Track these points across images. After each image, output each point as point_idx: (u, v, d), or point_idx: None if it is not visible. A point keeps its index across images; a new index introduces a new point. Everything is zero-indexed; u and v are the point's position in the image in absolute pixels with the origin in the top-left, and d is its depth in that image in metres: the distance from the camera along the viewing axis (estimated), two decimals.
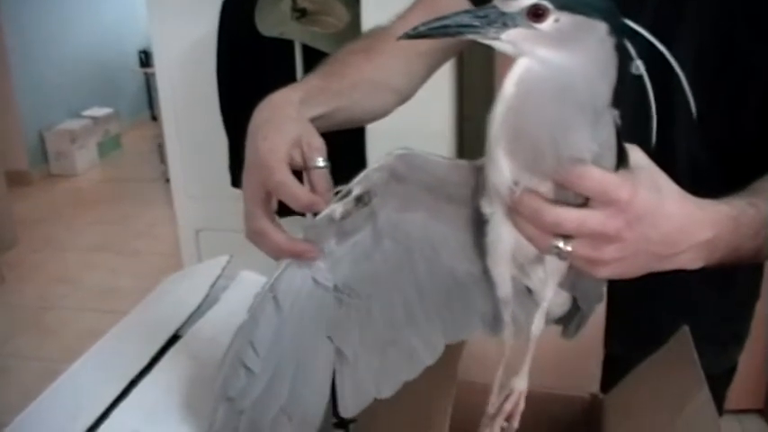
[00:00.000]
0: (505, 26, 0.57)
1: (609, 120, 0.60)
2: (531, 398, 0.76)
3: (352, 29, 2.18)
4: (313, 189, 0.73)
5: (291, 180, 0.71)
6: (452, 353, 0.76)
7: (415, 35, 0.59)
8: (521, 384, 0.74)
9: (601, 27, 0.57)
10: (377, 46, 0.94)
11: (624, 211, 0.60)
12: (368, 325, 0.74)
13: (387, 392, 0.73)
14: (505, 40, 0.58)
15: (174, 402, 0.72)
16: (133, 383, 0.74)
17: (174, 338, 0.80)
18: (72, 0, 5.59)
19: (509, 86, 0.58)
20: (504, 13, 0.57)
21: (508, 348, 0.74)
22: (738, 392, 2.23)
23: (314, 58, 1.83)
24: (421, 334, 0.74)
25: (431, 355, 0.74)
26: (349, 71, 0.91)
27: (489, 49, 0.62)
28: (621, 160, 0.62)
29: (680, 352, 0.72)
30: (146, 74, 6.03)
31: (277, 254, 0.72)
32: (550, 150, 0.59)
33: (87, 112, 5.65)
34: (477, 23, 0.58)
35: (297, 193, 0.70)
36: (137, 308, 0.87)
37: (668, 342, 0.75)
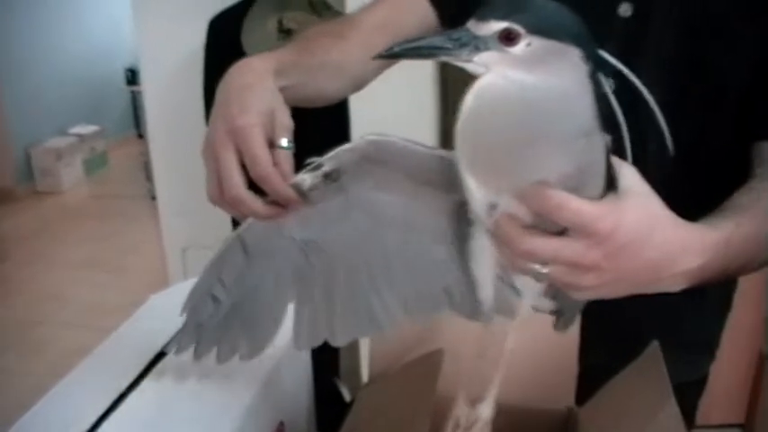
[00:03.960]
0: (478, 49, 0.58)
1: (594, 145, 0.60)
2: (507, 412, 0.78)
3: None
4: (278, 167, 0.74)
5: (266, 154, 0.73)
6: (432, 369, 0.78)
7: (389, 55, 0.60)
8: (486, 413, 0.75)
9: (573, 52, 0.57)
10: (344, 31, 0.95)
11: (603, 243, 0.60)
12: (330, 280, 0.78)
13: (340, 341, 0.78)
14: (478, 63, 0.58)
15: (162, 416, 0.74)
16: (121, 398, 0.75)
17: (161, 354, 0.81)
18: (58, 18, 5.61)
19: (469, 99, 0.59)
20: (476, 37, 0.58)
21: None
22: (720, 407, 2.26)
23: None
24: (382, 301, 0.77)
25: (389, 322, 0.77)
26: (318, 51, 0.92)
27: None
28: (611, 184, 0.62)
29: (650, 366, 0.75)
30: (132, 92, 6.04)
31: (254, 218, 0.75)
32: (507, 170, 0.60)
33: (73, 130, 5.65)
34: (449, 46, 0.58)
35: (270, 174, 0.72)
36: (124, 324, 0.89)
37: (639, 357, 0.78)
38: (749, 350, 2.18)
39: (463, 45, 0.58)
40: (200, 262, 2.83)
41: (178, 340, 0.79)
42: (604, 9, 0.89)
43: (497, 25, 0.57)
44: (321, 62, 0.90)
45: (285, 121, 0.77)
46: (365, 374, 2.15)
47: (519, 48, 0.57)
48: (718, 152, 0.91)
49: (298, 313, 0.79)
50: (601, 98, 0.60)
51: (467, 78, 0.61)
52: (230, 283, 0.79)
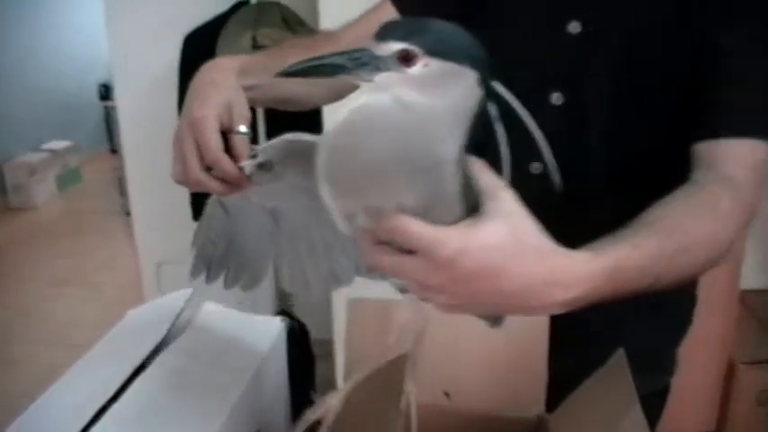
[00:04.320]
0: (378, 69, 0.59)
1: (448, 173, 0.61)
2: (479, 420, 0.80)
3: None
4: (233, 151, 0.81)
5: (216, 141, 0.80)
6: (399, 372, 0.79)
7: (291, 73, 0.61)
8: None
9: (469, 74, 0.59)
10: (319, 44, 0.98)
11: (445, 267, 0.60)
12: (296, 241, 0.89)
13: (317, 296, 0.89)
14: (377, 82, 0.59)
15: (142, 428, 0.75)
16: (101, 412, 0.76)
17: (140, 368, 0.82)
18: (31, 33, 5.57)
19: (343, 113, 0.60)
20: (376, 57, 0.59)
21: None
22: (691, 414, 2.30)
23: None
24: (339, 263, 0.87)
25: (347, 280, 0.88)
26: (290, 58, 0.94)
27: None
28: (474, 208, 0.62)
29: (615, 373, 0.77)
30: (105, 107, 6.01)
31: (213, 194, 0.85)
32: (360, 191, 0.61)
33: (46, 145, 5.60)
34: (350, 65, 0.59)
35: (211, 144, 0.79)
36: (102, 339, 0.90)
37: (605, 365, 0.80)
38: (719, 358, 2.22)
39: (363, 65, 0.59)
40: (175, 277, 2.84)
41: (192, 269, 0.94)
42: (554, 26, 0.94)
43: (396, 46, 0.58)
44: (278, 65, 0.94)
45: (242, 110, 0.84)
46: (341, 387, 2.15)
47: (416, 68, 0.58)
48: (660, 159, 0.93)
49: (276, 265, 0.91)
50: (485, 122, 0.62)
51: None
52: (219, 231, 0.91)
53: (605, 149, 0.96)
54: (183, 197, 2.58)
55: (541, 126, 0.94)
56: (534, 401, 0.88)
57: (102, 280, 4.08)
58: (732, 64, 0.86)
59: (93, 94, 6.06)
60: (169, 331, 0.87)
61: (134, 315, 0.97)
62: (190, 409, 0.76)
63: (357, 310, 0.93)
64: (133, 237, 3.06)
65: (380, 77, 0.59)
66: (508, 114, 0.66)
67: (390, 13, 1.04)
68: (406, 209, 0.60)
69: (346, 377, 0.92)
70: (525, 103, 1.03)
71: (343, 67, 0.59)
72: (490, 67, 0.60)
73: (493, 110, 0.63)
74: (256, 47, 2.32)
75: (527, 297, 0.63)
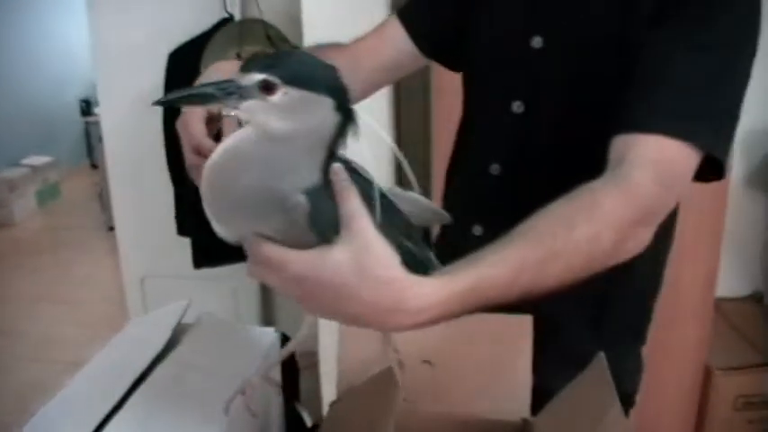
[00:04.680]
0: (242, 98, 0.64)
1: (298, 208, 0.66)
2: (464, 423, 0.83)
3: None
4: (222, 134, 0.83)
5: (199, 129, 0.85)
6: (391, 381, 0.82)
7: (165, 102, 0.67)
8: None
9: (326, 102, 0.64)
10: (330, 52, 1.05)
11: (296, 285, 0.66)
12: None
13: None
14: (243, 110, 0.64)
15: None
16: (103, 423, 0.78)
17: (140, 379, 0.85)
18: (10, 49, 5.57)
19: (219, 149, 0.67)
20: (241, 87, 0.64)
21: None
22: (669, 420, 2.34)
23: None
24: None
25: None
26: None
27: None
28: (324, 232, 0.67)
29: (596, 375, 0.81)
30: (85, 122, 6.00)
31: None
32: (229, 219, 0.68)
33: (26, 161, 5.58)
34: (218, 94, 0.64)
35: (194, 132, 0.84)
36: (101, 351, 0.92)
37: (586, 368, 0.84)
38: (696, 365, 2.26)
39: (230, 94, 0.64)
40: (159, 291, 2.88)
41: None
42: (520, 40, 1.02)
43: (257, 77, 0.63)
44: None
45: None
46: (326, 398, 2.18)
47: (277, 97, 0.63)
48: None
49: None
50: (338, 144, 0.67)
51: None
52: None
53: (559, 153, 1.01)
54: (167, 211, 2.60)
55: (502, 131, 1.02)
56: (519, 405, 0.91)
57: (83, 296, 4.07)
58: (650, 64, 0.89)
59: (73, 109, 6.06)
60: (168, 342, 0.90)
61: (133, 326, 1.00)
62: (191, 417, 0.79)
63: None
64: (115, 252, 3.06)
65: (245, 105, 0.64)
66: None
67: (397, 28, 1.15)
68: (270, 234, 0.66)
69: (339, 384, 0.95)
70: (490, 110, 1.10)
71: (212, 96, 0.64)
72: (347, 95, 0.66)
73: (355, 133, 0.68)
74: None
75: (376, 320, 0.67)
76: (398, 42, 1.16)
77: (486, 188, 1.09)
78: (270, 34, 2.38)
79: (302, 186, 0.65)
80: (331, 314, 0.68)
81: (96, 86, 5.57)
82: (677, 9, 0.89)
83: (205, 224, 0.78)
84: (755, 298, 2.59)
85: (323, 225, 0.66)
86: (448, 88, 2.08)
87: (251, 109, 0.64)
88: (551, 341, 0.95)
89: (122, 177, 2.84)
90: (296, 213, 0.66)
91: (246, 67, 0.64)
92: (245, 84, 0.63)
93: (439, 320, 0.69)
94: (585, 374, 0.83)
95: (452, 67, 1.21)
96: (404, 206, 0.78)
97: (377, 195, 0.69)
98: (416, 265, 0.69)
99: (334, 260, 0.65)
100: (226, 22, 2.49)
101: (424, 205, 0.81)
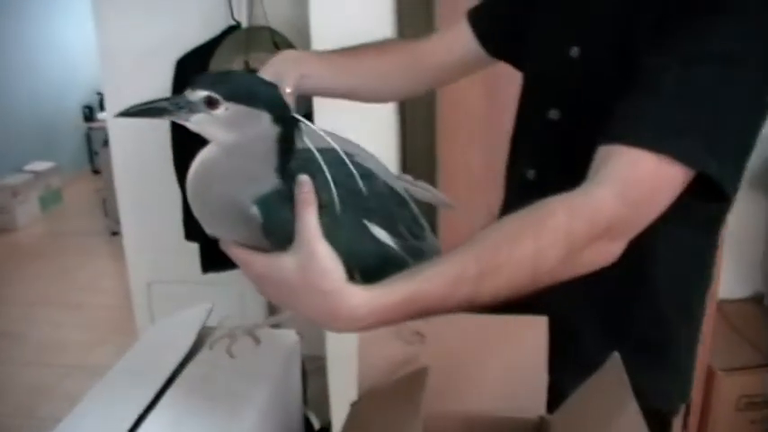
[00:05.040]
0: (192, 111, 0.72)
1: (253, 220, 0.74)
2: (481, 421, 0.86)
3: None
4: None
5: None
6: (417, 386, 0.85)
7: (126, 114, 0.73)
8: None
9: (264, 116, 0.72)
10: (390, 46, 1.18)
11: (258, 282, 0.77)
12: None
13: None
14: (193, 122, 0.72)
15: None
16: (137, 424, 0.80)
17: (169, 379, 0.87)
18: (13, 57, 5.59)
19: (194, 163, 0.75)
20: (190, 102, 0.72)
21: None
22: (674, 422, 2.36)
23: None
24: None
25: None
26: (363, 58, 1.17)
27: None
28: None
29: (612, 374, 0.83)
30: (87, 128, 6.02)
31: None
32: (206, 226, 0.77)
33: (29, 167, 5.61)
34: (171, 108, 0.72)
35: None
36: (127, 354, 0.94)
37: (602, 367, 0.86)
38: (698, 366, 2.28)
39: (181, 108, 0.72)
40: (166, 296, 2.89)
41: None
42: (559, 50, 1.03)
43: (202, 93, 0.72)
44: (358, 63, 1.15)
45: (286, 77, 1.01)
46: (333, 401, 2.20)
47: (220, 111, 0.72)
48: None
49: None
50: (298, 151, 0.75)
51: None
52: None
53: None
54: (174, 216, 2.62)
55: (538, 138, 1.05)
56: (536, 403, 0.93)
57: (87, 300, 4.09)
58: (642, 74, 0.87)
59: (75, 115, 6.08)
60: (193, 344, 0.92)
61: (157, 329, 1.02)
62: (222, 415, 0.82)
63: None
64: (118, 257, 3.07)
65: (194, 118, 0.72)
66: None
67: (462, 31, 1.20)
68: (240, 238, 0.76)
69: (360, 383, 0.97)
70: (529, 116, 1.13)
71: (166, 109, 0.72)
72: (284, 109, 0.74)
73: (304, 142, 0.76)
74: (249, 71, 2.38)
75: (319, 322, 0.75)
76: (466, 42, 1.20)
77: (522, 192, 1.11)
78: (277, 41, 2.41)
79: (263, 191, 0.74)
80: (292, 309, 0.77)
81: (99, 93, 5.69)
82: (678, 17, 0.87)
83: None
84: (756, 299, 2.62)
85: (276, 234, 0.75)
86: (454, 97, 2.11)
87: (199, 121, 0.72)
88: (567, 345, 0.97)
89: (129, 182, 2.86)
90: (253, 223, 0.74)
91: (194, 84, 0.72)
92: (192, 99, 0.72)
93: (378, 326, 0.75)
94: (601, 373, 0.85)
95: (519, 67, 1.21)
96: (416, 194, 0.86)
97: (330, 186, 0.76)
98: (394, 260, 0.80)
99: (283, 266, 0.73)
100: (233, 29, 2.51)
101: (433, 193, 0.91)
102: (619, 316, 1.06)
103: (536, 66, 1.12)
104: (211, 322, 1.04)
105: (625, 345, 0.85)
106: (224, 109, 0.71)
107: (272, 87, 0.76)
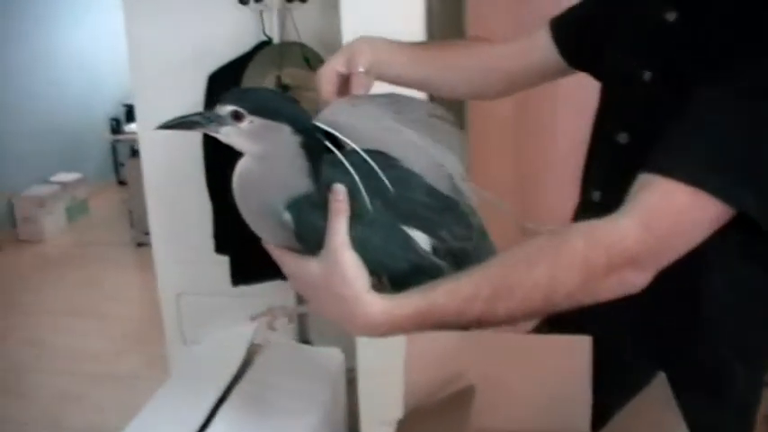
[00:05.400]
0: (221, 124, 0.80)
1: (286, 223, 0.82)
2: None
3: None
4: (353, 88, 1.02)
5: (326, 83, 1.04)
6: (464, 405, 0.86)
7: (164, 126, 0.80)
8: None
9: (285, 128, 0.79)
10: (470, 44, 1.21)
11: (294, 281, 0.85)
12: None
13: None
14: (222, 134, 0.80)
15: None
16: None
17: (220, 399, 0.89)
18: (41, 70, 5.67)
19: (233, 175, 0.83)
20: (219, 116, 0.80)
21: None
22: None
23: None
24: None
25: None
26: (437, 48, 1.21)
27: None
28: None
29: (658, 394, 0.83)
30: (114, 140, 6.10)
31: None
32: (253, 228, 0.84)
33: (55, 178, 5.68)
34: (202, 122, 0.80)
35: (322, 87, 1.04)
36: (178, 371, 0.96)
37: (647, 387, 0.86)
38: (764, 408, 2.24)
39: (211, 121, 0.80)
40: (195, 308, 2.91)
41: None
42: (630, 74, 1.01)
43: (229, 108, 0.80)
44: (443, 55, 1.18)
45: (360, 57, 1.05)
46: (363, 413, 2.20)
47: (245, 124, 0.79)
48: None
49: None
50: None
51: None
52: None
53: None
54: (204, 228, 2.65)
55: (605, 160, 1.02)
56: (580, 421, 0.94)
57: (113, 311, 4.13)
58: (692, 104, 0.85)
59: (101, 127, 6.15)
60: (242, 363, 0.94)
61: (206, 347, 1.04)
62: None
63: (416, 339, 0.98)
64: (144, 268, 3.09)
65: (223, 130, 0.80)
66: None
67: (542, 38, 1.20)
68: (279, 241, 0.84)
69: (406, 400, 0.98)
70: (599, 137, 1.13)
71: (199, 122, 0.80)
72: (304, 121, 0.81)
73: (335, 154, 0.83)
74: (280, 86, 2.40)
75: (340, 324, 0.82)
76: (545, 49, 1.19)
77: (587, 212, 1.06)
78: (308, 57, 2.43)
79: (295, 194, 0.81)
80: (317, 309, 0.85)
81: (125, 105, 5.76)
82: (742, 52, 0.85)
83: (244, 242, 0.88)
84: None
85: (307, 240, 0.82)
86: (484, 105, 2.12)
87: (227, 133, 0.80)
88: (614, 367, 0.97)
89: (159, 193, 2.89)
90: (287, 228, 0.81)
91: (223, 100, 0.80)
92: (221, 113, 0.80)
93: (392, 334, 0.81)
94: (646, 393, 0.86)
95: (599, 79, 1.19)
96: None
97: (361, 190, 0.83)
98: (425, 267, 0.85)
99: (311, 270, 0.81)
100: (264, 44, 2.53)
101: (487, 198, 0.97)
102: (671, 347, 1.03)
103: (609, 86, 1.11)
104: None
105: (678, 377, 0.84)
106: (249, 122, 0.79)
107: (292, 102, 0.83)
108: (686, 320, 1.00)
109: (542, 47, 1.19)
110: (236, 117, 0.79)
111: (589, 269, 0.80)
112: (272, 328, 0.95)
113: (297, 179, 0.81)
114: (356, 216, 0.80)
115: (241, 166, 0.83)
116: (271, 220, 0.82)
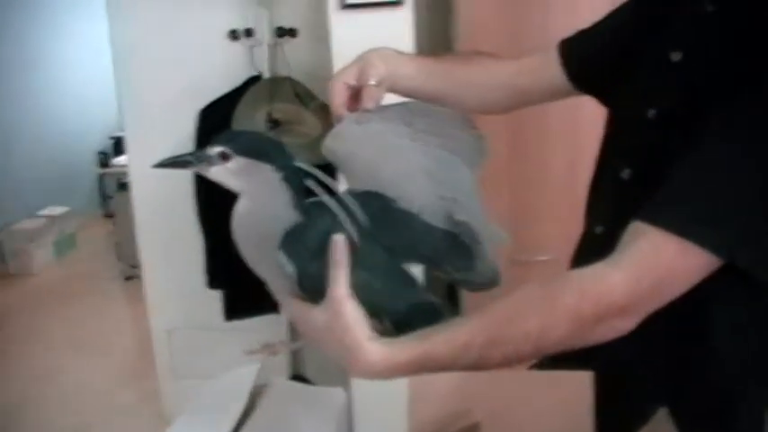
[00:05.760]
0: (210, 164, 0.84)
1: (289, 272, 0.85)
2: None
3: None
4: (363, 101, 1.02)
5: (337, 95, 1.04)
6: None
7: (158, 166, 0.85)
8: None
9: (266, 167, 0.84)
10: (481, 60, 1.22)
11: (297, 324, 0.89)
12: None
13: None
14: (211, 173, 0.85)
15: None
16: None
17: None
18: (30, 105, 5.68)
19: (232, 220, 0.87)
20: (209, 155, 0.84)
21: None
22: None
23: None
24: None
25: None
26: (450, 62, 1.21)
27: None
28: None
29: (661, 430, 0.85)
30: (101, 173, 6.08)
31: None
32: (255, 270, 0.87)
33: (44, 212, 5.65)
34: (193, 160, 0.84)
35: (333, 101, 1.04)
36: (180, 417, 0.96)
37: (650, 422, 0.88)
38: None
39: (201, 161, 0.84)
40: (186, 343, 2.88)
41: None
42: (635, 112, 1.03)
43: (217, 148, 0.84)
44: (450, 69, 1.19)
45: (372, 70, 1.05)
46: None
47: (231, 163, 0.84)
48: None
49: None
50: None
51: None
52: None
53: None
54: (195, 261, 2.64)
55: (608, 195, 1.05)
56: None
57: (102, 346, 4.08)
58: (689, 157, 0.85)
59: (89, 160, 6.14)
60: (244, 408, 0.94)
61: (207, 391, 1.04)
62: None
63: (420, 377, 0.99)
64: (134, 301, 3.07)
65: (212, 169, 0.85)
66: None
67: (551, 59, 1.19)
68: (282, 283, 0.87)
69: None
70: (602, 172, 1.12)
71: (191, 162, 0.85)
72: (287, 160, 0.86)
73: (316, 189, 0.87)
74: (270, 121, 2.42)
75: (345, 367, 0.85)
76: (556, 70, 1.19)
77: (591, 245, 1.11)
78: (297, 91, 2.45)
79: (286, 226, 0.85)
80: (322, 349, 0.88)
81: (113, 137, 5.75)
82: (730, 109, 0.84)
83: (238, 276, 0.89)
84: None
85: (308, 289, 0.86)
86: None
87: (216, 172, 0.85)
88: (617, 400, 0.98)
89: (149, 227, 2.88)
90: (290, 279, 0.85)
91: (213, 141, 0.85)
92: (210, 153, 0.84)
93: (390, 378, 0.84)
94: (649, 428, 0.87)
95: (605, 105, 1.19)
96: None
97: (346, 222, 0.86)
98: (424, 308, 0.90)
99: (313, 317, 0.86)
100: (254, 79, 2.55)
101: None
102: (674, 382, 1.03)
103: (614, 121, 1.12)
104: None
105: (681, 412, 0.85)
106: (234, 162, 0.84)
107: (276, 143, 0.88)
108: (688, 355, 1.00)
109: (552, 68, 1.19)
110: (224, 157, 0.84)
111: (579, 321, 0.82)
112: (274, 354, 0.98)
113: (286, 213, 0.85)
114: (356, 262, 0.84)
115: (236, 212, 0.86)
116: (269, 258, 0.85)
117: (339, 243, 0.83)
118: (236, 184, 0.85)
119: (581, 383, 0.98)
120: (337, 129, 0.97)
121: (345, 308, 0.83)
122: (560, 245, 1.27)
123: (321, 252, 0.83)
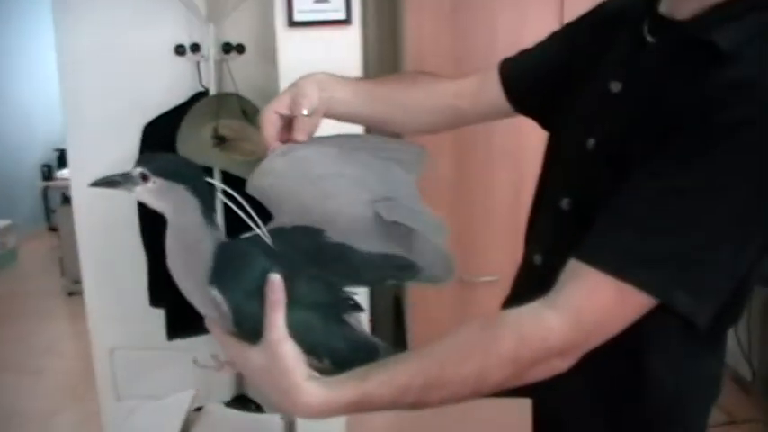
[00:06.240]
0: (134, 183, 0.86)
1: (224, 311, 0.85)
2: None
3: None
4: (294, 133, 1.01)
5: (268, 126, 1.02)
6: None
7: (93, 185, 0.87)
8: None
9: (180, 188, 0.86)
10: (419, 80, 1.21)
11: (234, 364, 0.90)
12: None
13: None
14: (136, 192, 0.87)
15: None
16: None
17: None
18: None
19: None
20: (132, 176, 0.86)
21: None
22: None
23: (232, 180, 1.97)
24: None
25: None
26: (388, 84, 1.20)
27: None
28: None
29: None
30: (45, 186, 5.95)
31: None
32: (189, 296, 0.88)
33: None
34: (121, 180, 0.86)
35: (264, 132, 1.02)
36: None
37: None
38: None
39: (127, 180, 0.86)
40: (129, 362, 2.80)
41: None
42: (576, 142, 1.02)
43: (138, 170, 0.86)
44: (387, 94, 1.17)
45: (303, 100, 1.03)
46: None
47: (150, 184, 0.86)
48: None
49: None
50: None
51: None
52: None
53: None
54: (138, 279, 2.58)
55: (549, 224, 1.06)
56: None
57: (44, 365, 3.98)
58: (624, 196, 0.85)
59: (32, 173, 6.01)
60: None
61: (140, 417, 1.01)
62: None
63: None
64: (76, 318, 2.99)
65: (136, 189, 0.87)
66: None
67: (491, 80, 1.19)
68: (216, 317, 0.87)
69: None
70: (543, 201, 1.12)
71: (118, 182, 0.87)
72: (199, 182, 0.88)
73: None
74: (216, 137, 2.38)
75: (284, 408, 0.85)
76: (495, 92, 1.19)
77: (529, 276, 1.12)
78: (245, 108, 2.42)
79: (211, 246, 0.86)
80: (265, 392, 0.86)
81: (57, 149, 5.62)
82: (665, 143, 0.83)
83: (180, 295, 0.88)
84: None
85: (245, 328, 0.86)
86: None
87: (139, 191, 0.87)
88: (555, 429, 0.99)
89: (91, 244, 2.81)
90: (226, 318, 0.85)
91: (135, 163, 0.87)
92: (133, 174, 0.86)
93: (331, 416, 0.84)
94: None
95: (545, 127, 1.20)
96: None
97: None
98: (362, 345, 0.91)
99: (251, 359, 0.85)
100: (201, 95, 2.52)
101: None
102: (611, 409, 1.04)
103: (555, 147, 1.11)
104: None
105: None
106: (152, 183, 0.86)
107: (191, 165, 0.90)
108: (624, 385, 1.01)
109: (492, 90, 1.19)
110: (144, 178, 0.86)
111: (517, 364, 0.83)
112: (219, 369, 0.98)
113: (207, 229, 0.87)
114: (292, 301, 0.84)
115: (166, 237, 0.88)
116: (201, 289, 0.85)
117: (276, 283, 0.83)
118: (159, 205, 0.87)
119: (520, 410, 0.98)
120: (261, 166, 0.97)
121: (283, 350, 0.83)
122: (505, 267, 1.28)
123: (257, 291, 0.83)
